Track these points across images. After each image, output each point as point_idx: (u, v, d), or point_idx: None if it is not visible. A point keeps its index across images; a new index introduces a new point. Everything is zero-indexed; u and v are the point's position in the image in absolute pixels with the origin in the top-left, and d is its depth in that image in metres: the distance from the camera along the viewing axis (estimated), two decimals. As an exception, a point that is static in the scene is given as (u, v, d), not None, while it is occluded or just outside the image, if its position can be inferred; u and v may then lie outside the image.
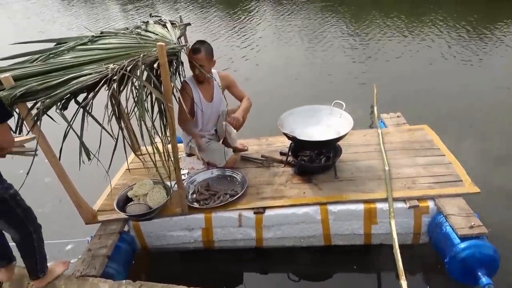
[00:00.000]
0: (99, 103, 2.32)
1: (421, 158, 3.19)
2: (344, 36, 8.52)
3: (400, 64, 6.75)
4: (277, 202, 2.89)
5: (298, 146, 3.18)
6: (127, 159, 2.99)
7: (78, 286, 2.44)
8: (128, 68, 2.27)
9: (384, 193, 2.80)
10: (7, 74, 2.24)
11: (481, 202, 2.84)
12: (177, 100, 2.72)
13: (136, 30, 2.89)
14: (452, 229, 2.50)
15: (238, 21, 10.74)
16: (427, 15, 9.33)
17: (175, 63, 2.62)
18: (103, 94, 2.29)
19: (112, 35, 2.86)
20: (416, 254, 2.85)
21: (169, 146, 2.65)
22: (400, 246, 2.43)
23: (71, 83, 2.27)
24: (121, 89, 2.27)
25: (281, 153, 3.48)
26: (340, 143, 3.11)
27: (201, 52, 2.92)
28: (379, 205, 2.76)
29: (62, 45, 2.77)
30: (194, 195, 3.09)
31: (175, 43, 2.61)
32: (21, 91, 2.20)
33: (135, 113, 2.34)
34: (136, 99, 2.29)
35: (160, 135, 2.54)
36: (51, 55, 2.63)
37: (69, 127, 2.28)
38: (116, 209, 2.90)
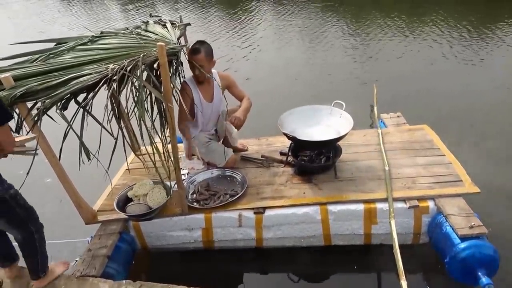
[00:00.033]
0: (99, 103, 2.32)
1: (421, 158, 3.18)
2: (344, 36, 8.52)
3: (400, 64, 6.75)
4: (277, 202, 2.89)
5: (298, 146, 3.18)
6: (126, 159, 2.99)
7: (78, 286, 2.44)
8: (128, 68, 2.27)
9: (384, 193, 2.80)
10: (7, 74, 2.24)
11: (481, 202, 2.84)
12: (177, 101, 2.73)
13: (136, 30, 2.89)
14: (452, 229, 2.49)
15: (239, 21, 10.74)
16: (427, 15, 9.32)
17: (175, 63, 2.62)
18: (103, 94, 2.29)
19: (112, 35, 2.87)
20: (416, 254, 2.84)
21: (169, 146, 2.66)
22: (400, 246, 2.43)
23: (71, 83, 2.27)
24: (121, 89, 2.27)
25: (281, 153, 3.48)
26: (340, 143, 3.11)
27: (201, 53, 2.92)
28: (379, 205, 2.76)
29: (62, 45, 2.77)
30: (194, 195, 3.09)
31: (175, 43, 2.61)
32: (21, 91, 2.20)
33: (135, 113, 2.34)
34: (136, 99, 2.29)
35: (160, 135, 2.54)
36: (51, 55, 2.64)
37: (69, 127, 2.28)
38: (116, 209, 2.90)
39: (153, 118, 2.51)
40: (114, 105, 2.33)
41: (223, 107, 3.27)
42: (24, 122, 2.37)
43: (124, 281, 2.47)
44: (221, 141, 3.49)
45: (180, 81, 2.94)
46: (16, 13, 16.82)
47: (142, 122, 2.28)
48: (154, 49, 2.39)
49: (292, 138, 3.00)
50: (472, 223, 2.45)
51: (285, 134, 3.02)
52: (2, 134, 1.97)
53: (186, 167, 3.43)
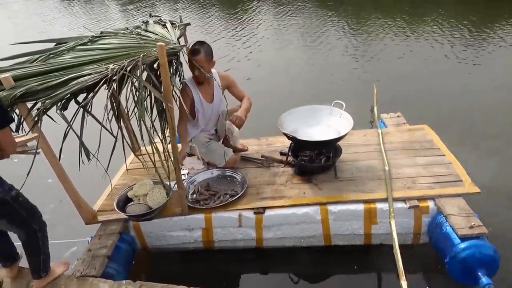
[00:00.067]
0: (99, 102, 2.32)
1: (421, 158, 3.18)
2: (344, 36, 8.52)
3: (400, 64, 6.75)
4: (277, 202, 2.89)
5: (298, 146, 3.18)
6: (125, 160, 2.99)
7: (78, 286, 2.44)
8: (128, 68, 2.27)
9: (384, 193, 2.80)
10: (7, 74, 2.25)
11: (481, 202, 2.84)
12: (177, 102, 2.73)
13: (136, 30, 2.89)
14: (452, 229, 2.49)
15: (239, 21, 10.74)
16: (427, 15, 9.33)
17: (175, 63, 2.62)
18: (103, 94, 2.29)
19: (112, 35, 2.87)
20: (416, 254, 2.84)
21: (169, 146, 2.65)
22: (400, 246, 2.43)
23: (71, 83, 2.27)
24: (121, 89, 2.27)
25: (281, 153, 3.48)
26: (340, 143, 3.11)
27: (200, 53, 2.92)
28: (379, 205, 2.76)
29: (62, 45, 2.77)
30: (194, 195, 3.09)
31: (175, 43, 2.61)
32: (21, 91, 2.20)
33: (135, 114, 2.34)
34: (136, 99, 2.29)
35: (160, 135, 2.54)
36: (51, 55, 2.64)
37: (69, 127, 2.28)
38: (116, 209, 2.90)
39: (153, 119, 2.52)
40: (114, 105, 2.33)
41: (223, 107, 3.28)
42: (24, 122, 2.37)
43: (124, 281, 2.47)
44: (221, 141, 3.49)
45: (180, 81, 2.94)
46: (16, 13, 16.84)
47: (142, 122, 2.28)
48: (154, 49, 2.39)
49: (292, 138, 3.00)
50: (472, 223, 2.45)
51: (285, 134, 3.02)
52: (3, 136, 1.98)
53: (186, 167, 3.43)
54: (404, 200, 2.76)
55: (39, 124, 2.29)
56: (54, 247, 2.47)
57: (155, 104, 2.58)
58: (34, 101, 2.29)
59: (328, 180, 3.04)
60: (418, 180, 2.91)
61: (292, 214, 2.83)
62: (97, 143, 2.29)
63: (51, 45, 2.81)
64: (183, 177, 3.09)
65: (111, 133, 2.32)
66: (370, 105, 4.74)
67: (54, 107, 2.28)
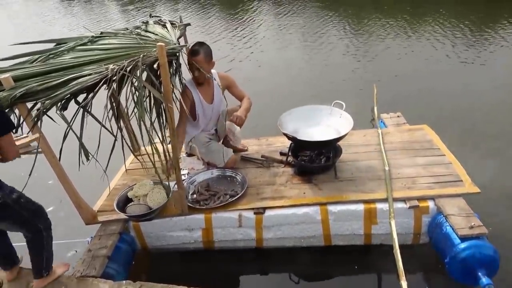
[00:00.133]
0: (99, 102, 2.32)
1: (421, 158, 3.18)
2: (344, 36, 8.52)
3: (401, 64, 6.75)
4: (277, 203, 2.89)
5: (298, 146, 3.18)
6: (125, 160, 2.99)
7: (78, 287, 2.45)
8: (128, 69, 2.27)
9: (384, 193, 2.80)
10: (7, 75, 2.25)
11: (481, 202, 2.84)
12: (177, 105, 2.73)
13: (136, 30, 2.89)
14: (452, 229, 2.49)
15: (240, 21, 10.75)
16: (427, 15, 9.33)
17: (175, 63, 2.62)
18: (103, 94, 2.29)
19: (112, 36, 2.87)
20: (416, 254, 2.84)
21: (169, 146, 2.66)
22: (400, 246, 2.43)
23: (71, 83, 2.27)
24: (121, 89, 2.27)
25: (281, 153, 3.48)
26: (340, 143, 3.10)
27: (200, 54, 2.92)
28: (379, 205, 2.76)
29: (62, 45, 2.78)
30: (194, 196, 3.09)
31: (175, 44, 2.61)
32: (21, 91, 2.20)
33: (135, 114, 2.34)
34: (136, 100, 2.29)
35: (160, 136, 2.54)
36: (51, 56, 2.64)
37: (68, 128, 2.28)
38: (116, 209, 2.90)
39: (153, 119, 2.52)
40: (114, 105, 2.33)
41: (223, 107, 3.28)
42: (24, 123, 2.37)
43: (124, 281, 2.47)
44: (221, 141, 3.49)
45: (180, 82, 2.94)
46: (16, 13, 16.85)
47: (141, 122, 2.28)
48: (154, 49, 2.39)
49: (292, 138, 3.00)
50: (472, 223, 2.45)
51: (285, 134, 3.02)
52: (6, 143, 1.99)
53: (186, 167, 3.43)
54: (404, 200, 2.76)
55: (39, 125, 2.29)
56: (54, 248, 2.47)
57: (154, 105, 2.57)
58: (34, 102, 2.29)
59: (328, 180, 3.04)
60: (418, 180, 2.91)
61: (292, 214, 2.83)
62: (97, 142, 2.29)
63: (51, 45, 2.81)
64: (183, 177, 3.09)
65: (111, 133, 2.32)
66: (371, 105, 4.74)
67: (54, 108, 2.28)
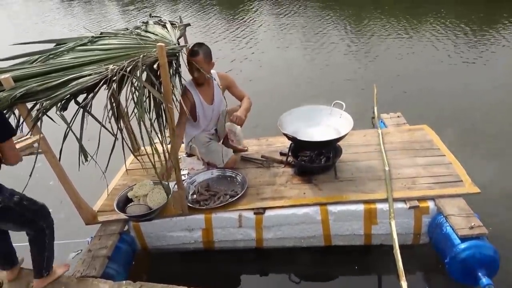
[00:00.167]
0: (99, 102, 2.32)
1: (421, 158, 3.18)
2: (345, 36, 8.52)
3: (401, 64, 6.75)
4: (277, 203, 2.89)
5: (298, 146, 3.18)
6: (125, 160, 2.99)
7: (78, 287, 2.45)
8: (128, 69, 2.27)
9: (384, 194, 2.80)
10: (7, 75, 2.25)
11: (481, 202, 2.83)
12: (177, 107, 2.73)
13: (136, 30, 2.89)
14: (453, 229, 2.49)
15: (240, 22, 10.74)
16: (427, 15, 9.33)
17: (175, 63, 2.62)
18: (103, 94, 2.29)
19: (112, 36, 2.87)
20: (416, 255, 2.84)
21: (169, 146, 2.66)
22: (400, 247, 2.43)
23: (71, 84, 2.27)
24: (120, 89, 2.27)
25: (281, 154, 3.48)
26: (340, 143, 3.10)
27: (199, 55, 2.92)
28: (379, 206, 2.76)
29: (62, 45, 2.78)
30: (194, 196, 3.09)
31: (175, 44, 2.61)
32: (21, 92, 2.20)
33: (135, 114, 2.34)
34: (136, 100, 2.29)
35: (159, 136, 2.54)
36: (51, 56, 2.64)
37: (68, 128, 2.28)
38: (116, 209, 2.91)
39: (153, 119, 2.52)
40: (114, 105, 2.33)
41: (223, 108, 3.28)
42: (24, 123, 2.37)
43: (124, 281, 2.47)
44: (221, 141, 3.49)
45: (180, 82, 2.94)
46: (16, 13, 16.85)
47: (141, 122, 2.28)
48: (154, 49, 2.39)
49: (292, 139, 3.00)
50: (472, 224, 2.44)
51: (285, 135, 3.02)
52: (7, 148, 2.01)
53: (186, 168, 3.43)
54: (404, 200, 2.75)
55: (39, 125, 2.29)
56: (54, 248, 2.47)
57: (154, 105, 2.57)
58: (34, 102, 2.29)
59: (328, 181, 3.04)
60: (418, 180, 2.91)
61: (292, 214, 2.83)
62: (97, 144, 2.29)
63: (51, 45, 2.82)
64: (183, 178, 3.09)
65: (111, 133, 2.33)
66: (371, 105, 4.74)
67: (54, 108, 2.28)
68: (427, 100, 5.30)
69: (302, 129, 3.16)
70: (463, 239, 2.42)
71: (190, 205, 2.94)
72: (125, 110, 2.33)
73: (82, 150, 2.31)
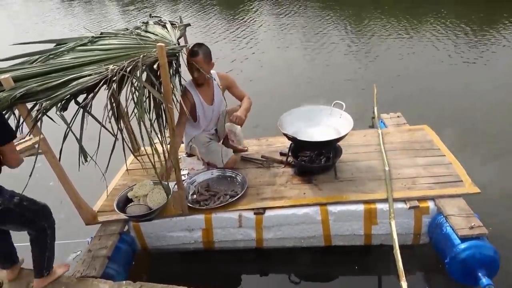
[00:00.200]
0: (99, 103, 2.32)
1: (421, 158, 3.18)
2: (345, 36, 8.52)
3: (401, 64, 6.75)
4: (277, 203, 2.89)
5: (298, 146, 3.18)
6: (126, 160, 2.99)
7: (78, 287, 2.45)
8: (128, 69, 2.27)
9: (384, 194, 2.80)
10: (7, 75, 2.25)
11: (482, 203, 2.83)
12: (177, 107, 2.73)
13: (136, 30, 2.89)
14: (453, 229, 2.49)
15: (241, 22, 10.74)
16: (427, 15, 9.33)
17: (175, 63, 2.62)
18: (103, 94, 2.30)
19: (112, 36, 2.87)
20: (416, 255, 2.84)
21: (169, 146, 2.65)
22: (400, 247, 2.43)
23: (71, 84, 2.27)
24: (121, 89, 2.27)
25: (281, 154, 3.48)
26: (340, 143, 3.10)
27: (199, 55, 2.92)
28: (379, 206, 2.76)
29: (62, 46, 2.78)
30: (194, 196, 3.09)
31: (175, 44, 2.61)
32: (21, 92, 2.20)
33: (135, 114, 2.34)
34: (136, 100, 2.29)
35: (159, 136, 2.54)
36: (51, 56, 2.64)
37: (68, 129, 2.28)
38: (116, 210, 2.91)
39: (153, 119, 2.52)
40: (114, 105, 2.33)
41: (223, 108, 3.28)
42: (24, 123, 2.37)
43: (124, 281, 2.47)
44: (221, 141, 3.49)
45: (180, 82, 2.94)
46: (16, 14, 16.85)
47: (141, 123, 2.28)
48: (154, 50, 2.39)
49: (292, 139, 2.99)
50: (472, 224, 2.44)
51: (285, 135, 3.02)
52: (7, 151, 2.02)
53: (186, 168, 3.43)
54: (404, 200, 2.75)
55: (39, 125, 2.29)
56: (55, 248, 2.48)
57: (154, 105, 2.57)
58: (34, 102, 2.29)
59: (328, 181, 3.04)
60: (418, 180, 2.91)
61: (292, 214, 2.83)
62: (97, 144, 2.29)
63: (51, 45, 2.82)
64: (183, 178, 3.09)
65: (111, 133, 2.33)
66: (371, 105, 4.73)
67: (54, 108, 2.28)
68: (427, 100, 5.30)
69: (302, 129, 3.16)
70: (463, 239, 2.41)
71: (190, 205, 2.94)
72: (125, 110, 2.33)
73: (82, 151, 2.31)
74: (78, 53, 2.65)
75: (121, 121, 2.45)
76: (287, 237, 2.94)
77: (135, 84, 2.32)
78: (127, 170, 3.40)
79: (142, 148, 3.43)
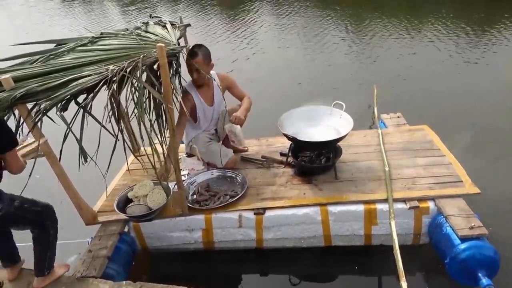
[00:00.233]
0: (99, 103, 2.32)
1: (421, 158, 3.18)
2: (345, 36, 8.52)
3: (401, 64, 6.74)
4: (277, 203, 2.89)
5: (298, 146, 3.18)
6: (127, 160, 2.99)
7: (79, 287, 2.45)
8: (128, 69, 2.27)
9: (384, 194, 2.80)
10: (7, 75, 2.25)
11: (482, 203, 2.83)
12: (177, 108, 2.73)
13: (136, 31, 2.89)
14: (453, 230, 2.49)
15: (241, 22, 10.74)
16: (427, 16, 9.32)
17: (175, 64, 2.62)
18: (103, 94, 2.30)
19: (112, 36, 2.87)
20: (416, 255, 2.84)
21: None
22: (400, 247, 2.43)
23: (71, 84, 2.27)
24: (121, 90, 2.28)
25: (281, 154, 3.48)
26: (340, 143, 3.10)
27: (198, 56, 2.92)
28: (379, 206, 2.76)
29: (62, 46, 2.78)
30: (194, 196, 3.09)
31: (175, 44, 2.61)
32: (21, 92, 2.20)
33: (135, 114, 2.34)
34: (136, 101, 2.29)
35: (159, 137, 2.54)
36: (51, 56, 2.64)
37: (68, 129, 2.28)
38: (116, 210, 2.91)
39: (153, 120, 2.52)
40: (114, 105, 2.33)
41: (223, 108, 3.28)
42: (24, 124, 2.37)
43: (124, 282, 2.48)
44: (221, 141, 3.49)
45: (180, 83, 2.94)
46: (16, 14, 16.85)
47: (141, 123, 2.28)
48: (154, 50, 2.39)
49: (292, 139, 3.00)
50: (472, 224, 2.44)
51: (285, 135, 3.02)
52: (10, 157, 2.05)
53: (186, 168, 3.43)
54: (404, 200, 2.75)
55: (39, 125, 2.29)
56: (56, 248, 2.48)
57: (154, 105, 2.58)
58: (34, 102, 2.29)
59: (328, 181, 3.04)
60: (418, 180, 2.91)
61: (292, 214, 2.83)
62: (97, 144, 2.29)
63: (52, 46, 2.82)
64: (183, 178, 3.09)
65: (111, 133, 2.33)
66: (371, 106, 4.73)
67: (54, 108, 2.28)
68: (427, 100, 5.30)
69: (302, 130, 3.16)
70: (463, 239, 2.41)
71: (190, 205, 2.94)
72: (125, 110, 2.33)
73: (82, 151, 2.31)
74: (78, 54, 2.65)
75: (121, 121, 2.45)
76: (287, 237, 2.94)
77: (135, 85, 2.32)
78: (127, 170, 3.40)
79: (142, 149, 3.43)
